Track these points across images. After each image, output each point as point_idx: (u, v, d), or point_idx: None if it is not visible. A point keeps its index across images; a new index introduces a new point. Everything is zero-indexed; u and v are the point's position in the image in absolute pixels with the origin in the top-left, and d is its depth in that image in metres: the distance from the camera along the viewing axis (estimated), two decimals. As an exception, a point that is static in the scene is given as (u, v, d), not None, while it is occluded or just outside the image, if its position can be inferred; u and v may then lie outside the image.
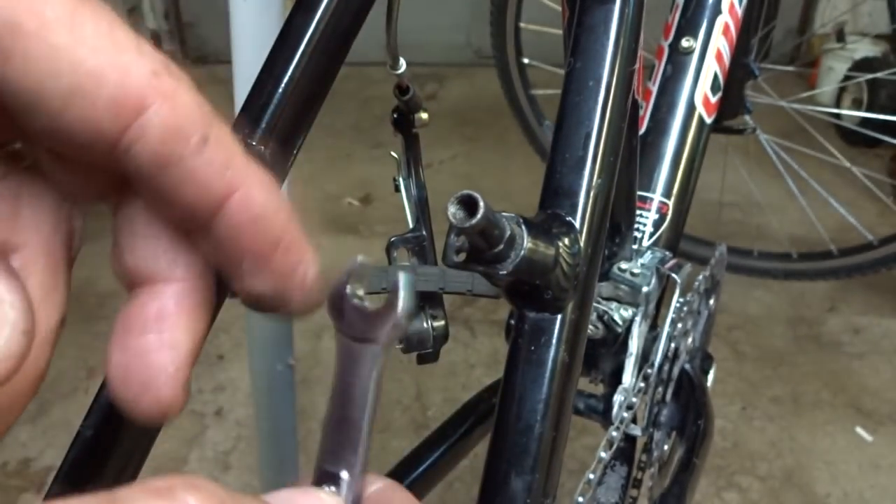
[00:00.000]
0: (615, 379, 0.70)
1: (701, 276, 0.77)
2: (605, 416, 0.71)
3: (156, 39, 3.62)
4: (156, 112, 0.19)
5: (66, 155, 0.20)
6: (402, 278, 0.21)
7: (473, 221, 0.23)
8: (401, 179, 0.64)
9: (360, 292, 0.21)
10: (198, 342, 0.23)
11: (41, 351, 0.20)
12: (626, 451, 0.70)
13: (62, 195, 0.22)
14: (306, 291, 0.22)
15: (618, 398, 0.68)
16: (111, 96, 0.18)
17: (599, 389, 0.75)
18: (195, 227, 0.21)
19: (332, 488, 0.21)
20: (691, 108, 0.81)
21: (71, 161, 0.20)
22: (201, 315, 0.23)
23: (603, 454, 0.63)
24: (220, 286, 0.23)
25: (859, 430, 1.56)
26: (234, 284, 0.22)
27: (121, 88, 0.18)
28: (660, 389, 0.72)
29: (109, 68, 0.18)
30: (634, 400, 0.68)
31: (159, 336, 0.22)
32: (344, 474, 0.21)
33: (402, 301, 0.21)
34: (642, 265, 0.70)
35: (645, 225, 0.77)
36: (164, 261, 0.22)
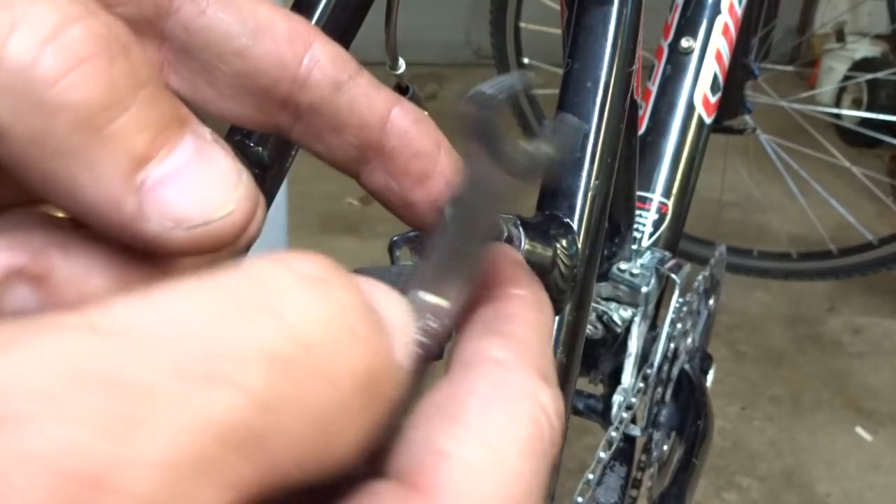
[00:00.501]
0: (614, 379, 0.70)
1: (700, 277, 0.77)
2: (604, 417, 0.71)
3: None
4: (320, 44, 0.22)
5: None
6: (567, 124, 0.21)
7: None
8: (400, 179, 0.64)
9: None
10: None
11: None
12: (625, 451, 0.70)
13: None
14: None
15: (617, 398, 0.68)
16: (286, 31, 0.21)
17: (599, 390, 0.75)
18: (367, 150, 0.23)
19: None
20: (691, 108, 0.81)
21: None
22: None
23: (602, 454, 0.63)
24: None
25: (859, 430, 1.56)
26: (402, 198, 0.24)
27: (291, 27, 0.21)
28: (659, 390, 0.72)
29: (277, 14, 0.21)
30: (634, 400, 0.68)
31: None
32: (444, 303, 0.19)
33: (562, 142, 0.20)
34: (642, 265, 0.70)
35: (644, 225, 0.77)
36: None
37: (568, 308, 0.30)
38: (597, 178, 0.32)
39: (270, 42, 0.21)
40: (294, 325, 0.13)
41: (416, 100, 0.61)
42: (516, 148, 0.19)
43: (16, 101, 0.15)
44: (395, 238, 0.62)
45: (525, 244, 0.26)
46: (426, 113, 0.25)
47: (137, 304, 0.12)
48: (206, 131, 0.18)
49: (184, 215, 0.16)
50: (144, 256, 0.18)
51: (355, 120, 0.23)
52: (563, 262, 0.29)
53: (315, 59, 0.22)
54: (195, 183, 0.17)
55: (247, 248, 0.22)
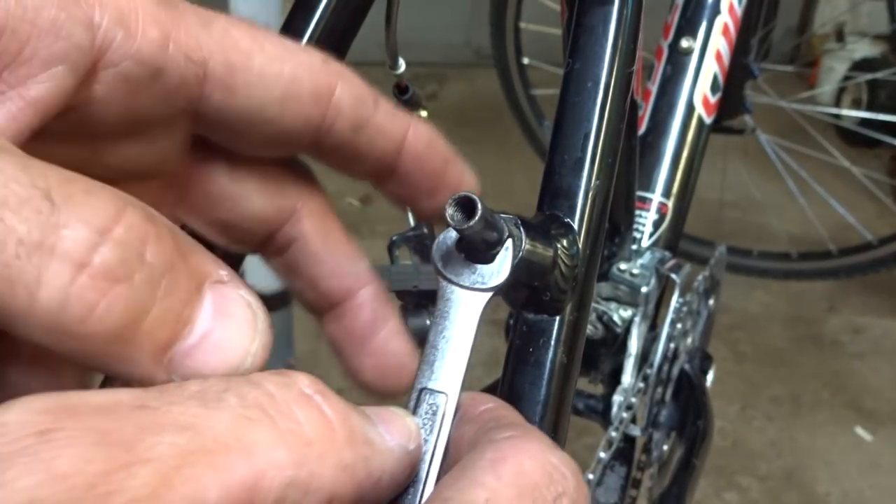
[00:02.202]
0: (614, 379, 0.70)
1: (700, 277, 0.77)
2: (604, 417, 0.71)
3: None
4: (342, 90, 0.23)
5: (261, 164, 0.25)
6: (514, 237, 0.25)
7: (471, 223, 0.23)
8: (400, 179, 0.64)
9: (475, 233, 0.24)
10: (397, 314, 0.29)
11: None
12: (625, 451, 0.70)
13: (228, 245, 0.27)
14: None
15: (617, 398, 0.68)
16: (311, 89, 0.23)
17: (599, 390, 0.75)
18: (383, 173, 0.26)
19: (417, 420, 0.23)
20: (691, 108, 0.81)
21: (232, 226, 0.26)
22: (386, 296, 0.29)
23: (602, 454, 0.63)
24: None
25: (859, 429, 1.56)
26: (412, 206, 0.28)
27: (314, 81, 0.23)
28: (659, 390, 0.72)
29: (300, 69, 0.22)
30: (634, 400, 0.68)
31: (387, 329, 0.28)
32: (444, 391, 0.24)
33: (512, 253, 0.25)
34: (642, 265, 0.70)
35: (644, 225, 0.77)
36: (348, 271, 0.28)
37: (569, 308, 0.30)
38: (597, 178, 0.32)
39: (297, 106, 0.23)
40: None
41: (415, 100, 0.61)
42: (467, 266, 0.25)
43: (51, 335, 0.16)
44: (394, 238, 0.62)
45: (526, 244, 0.26)
46: (427, 122, 0.27)
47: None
48: (222, 275, 0.19)
49: (208, 373, 0.18)
50: None
51: (373, 154, 0.25)
52: (563, 261, 0.29)
53: (337, 110, 0.23)
54: (216, 346, 0.18)
55: None
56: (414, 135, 0.26)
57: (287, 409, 0.16)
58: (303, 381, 0.17)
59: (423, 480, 0.22)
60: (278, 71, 0.22)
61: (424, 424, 0.23)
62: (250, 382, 0.17)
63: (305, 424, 0.16)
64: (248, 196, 0.25)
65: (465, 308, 0.25)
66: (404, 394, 0.25)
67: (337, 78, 0.23)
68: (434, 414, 0.24)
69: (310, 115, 0.23)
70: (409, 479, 0.21)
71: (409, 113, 0.26)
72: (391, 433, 0.19)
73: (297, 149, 0.25)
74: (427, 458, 0.23)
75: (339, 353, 0.28)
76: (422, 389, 0.24)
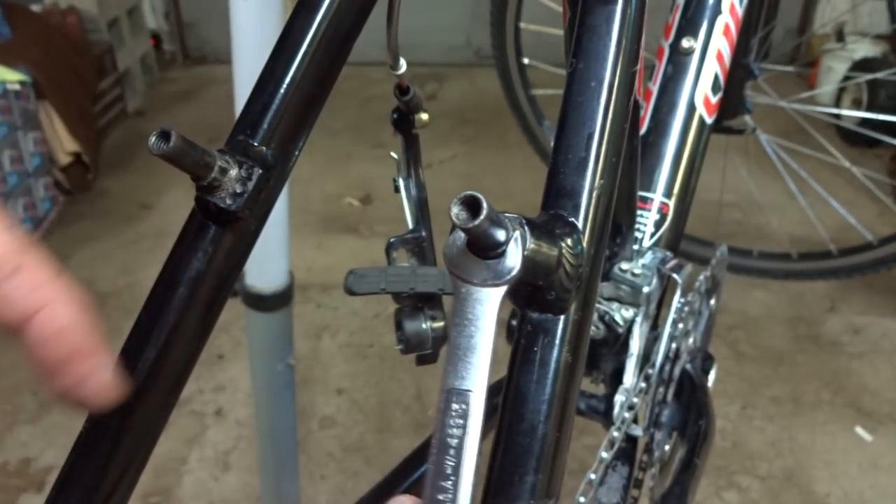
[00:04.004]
0: (616, 379, 0.70)
1: (702, 277, 0.77)
2: (606, 417, 0.71)
3: (156, 39, 3.62)
4: None
5: None
6: (518, 235, 0.26)
7: (476, 222, 0.23)
8: (400, 180, 0.64)
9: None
10: None
11: None
12: (627, 451, 0.70)
13: None
14: (101, 392, 0.28)
15: (619, 398, 0.68)
16: None
17: (601, 390, 0.75)
18: (7, 331, 0.27)
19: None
20: (692, 108, 0.81)
21: None
22: None
23: (604, 454, 0.63)
24: (221, 287, 0.25)
25: (859, 429, 1.56)
26: (45, 382, 0.28)
27: None
28: (661, 390, 0.72)
29: None
30: (635, 400, 0.68)
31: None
32: (471, 388, 0.25)
33: (521, 246, 0.25)
34: (643, 265, 0.70)
35: (646, 225, 0.77)
36: None
37: (573, 307, 0.30)
38: (601, 178, 0.32)
39: None
40: None
41: (416, 100, 0.61)
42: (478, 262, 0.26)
43: None
44: (391, 240, 0.62)
45: (530, 243, 0.26)
46: (75, 305, 0.28)
47: None
48: None
49: None
50: None
51: None
52: (568, 261, 0.29)
53: None
54: None
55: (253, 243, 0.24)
56: (46, 317, 0.26)
57: None
58: None
59: (461, 475, 0.24)
60: None
61: (456, 423, 0.25)
62: None
63: None
64: None
65: (482, 305, 0.26)
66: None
67: None
68: (464, 412, 0.25)
69: None
70: None
71: (66, 289, 0.27)
72: None
73: None
74: (463, 455, 0.24)
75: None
76: (449, 390, 0.25)
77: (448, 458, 0.25)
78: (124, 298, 1.97)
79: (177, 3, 3.67)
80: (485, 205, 0.23)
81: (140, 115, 3.15)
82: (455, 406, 0.25)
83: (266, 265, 1.07)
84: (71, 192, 2.49)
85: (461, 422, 0.25)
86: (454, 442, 0.25)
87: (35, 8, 2.70)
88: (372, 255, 2.12)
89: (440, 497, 0.24)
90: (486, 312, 0.26)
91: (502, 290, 0.26)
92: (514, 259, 0.25)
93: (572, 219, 0.31)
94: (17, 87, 2.18)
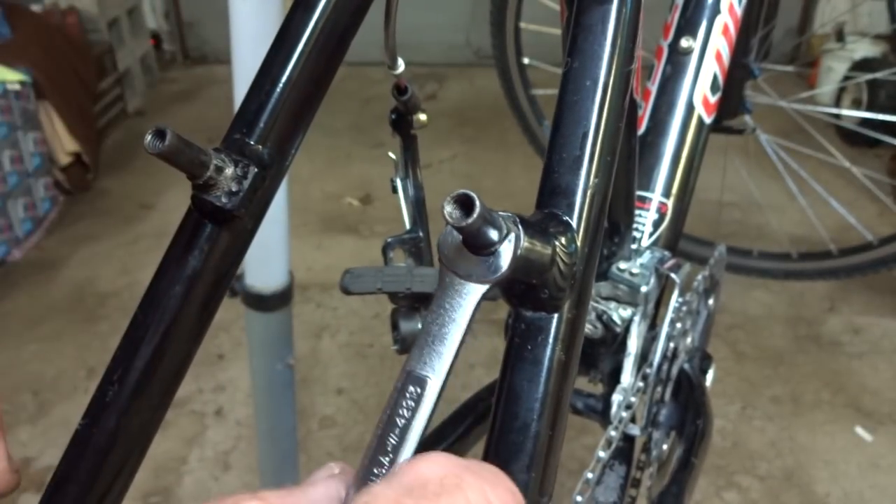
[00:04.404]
0: (614, 378, 0.70)
1: (700, 276, 0.77)
2: (603, 416, 0.71)
3: (156, 39, 3.62)
4: None
5: None
6: (513, 234, 0.26)
7: (469, 221, 0.23)
8: (398, 180, 0.64)
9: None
10: None
11: None
12: (624, 450, 0.70)
13: None
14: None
15: (616, 398, 0.68)
16: None
17: (598, 389, 0.75)
18: None
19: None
20: (690, 108, 0.81)
21: None
22: None
23: (602, 454, 0.63)
24: (218, 286, 0.25)
25: (859, 429, 1.56)
26: None
27: None
28: (659, 389, 0.72)
29: None
30: (633, 399, 0.68)
31: None
32: (429, 375, 0.26)
33: (513, 248, 0.26)
34: (641, 265, 0.70)
35: (644, 225, 0.77)
36: None
37: (567, 306, 0.30)
38: (596, 177, 0.32)
39: None
40: None
41: (414, 100, 0.61)
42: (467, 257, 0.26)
43: None
44: (388, 240, 0.62)
45: (524, 242, 0.26)
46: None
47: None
48: None
49: None
50: None
51: None
52: (562, 259, 0.29)
53: None
54: None
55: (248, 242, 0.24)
56: None
57: None
58: None
59: (399, 454, 0.25)
60: None
61: (408, 405, 0.26)
62: None
63: None
64: None
65: (461, 298, 0.26)
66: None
67: None
68: (419, 397, 0.26)
69: None
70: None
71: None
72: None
73: None
74: (407, 436, 0.25)
75: None
76: (409, 372, 0.26)
77: (392, 435, 0.25)
78: (124, 298, 1.97)
79: (177, 3, 3.67)
80: (478, 203, 0.23)
81: (140, 115, 3.16)
82: (411, 388, 0.26)
83: (266, 265, 1.07)
84: (71, 192, 2.49)
85: (413, 405, 0.25)
86: (401, 423, 0.25)
87: (35, 8, 2.71)
88: (372, 255, 2.12)
89: (374, 470, 0.25)
90: (464, 306, 0.26)
91: (485, 287, 0.26)
92: (504, 258, 0.25)
93: (566, 217, 0.31)
94: (17, 87, 2.18)
